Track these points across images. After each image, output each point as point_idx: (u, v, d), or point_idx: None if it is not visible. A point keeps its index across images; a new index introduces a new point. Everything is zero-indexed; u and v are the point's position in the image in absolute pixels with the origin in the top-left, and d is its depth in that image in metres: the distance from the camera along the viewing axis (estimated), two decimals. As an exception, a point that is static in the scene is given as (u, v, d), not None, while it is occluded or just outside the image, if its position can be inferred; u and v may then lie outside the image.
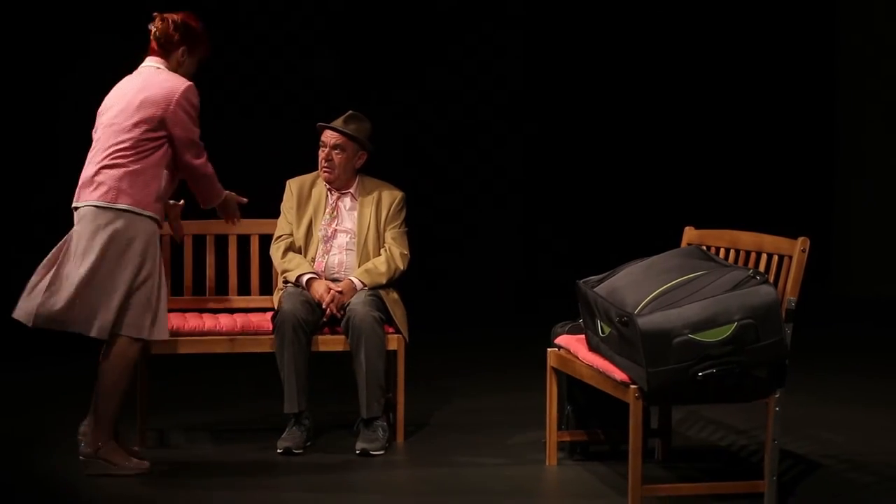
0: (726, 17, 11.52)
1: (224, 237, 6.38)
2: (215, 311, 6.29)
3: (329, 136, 6.24)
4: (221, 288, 6.41)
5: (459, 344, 9.08)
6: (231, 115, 10.35)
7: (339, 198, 6.30)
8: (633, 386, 4.86)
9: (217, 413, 6.75)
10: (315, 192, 6.33)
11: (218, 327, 6.03)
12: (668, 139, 11.49)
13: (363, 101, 10.50)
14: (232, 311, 6.33)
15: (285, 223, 6.32)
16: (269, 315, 6.15)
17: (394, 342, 6.06)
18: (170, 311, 6.07)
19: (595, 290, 5.13)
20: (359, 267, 6.20)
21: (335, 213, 6.28)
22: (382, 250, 6.26)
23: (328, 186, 6.30)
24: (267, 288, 6.42)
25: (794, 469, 5.61)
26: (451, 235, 10.82)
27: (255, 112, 10.47)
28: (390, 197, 6.33)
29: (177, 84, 5.52)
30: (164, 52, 5.63)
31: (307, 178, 6.37)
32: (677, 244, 5.69)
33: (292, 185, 6.37)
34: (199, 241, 6.35)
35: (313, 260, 6.23)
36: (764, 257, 5.16)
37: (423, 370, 6.93)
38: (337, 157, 6.22)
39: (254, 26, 10.45)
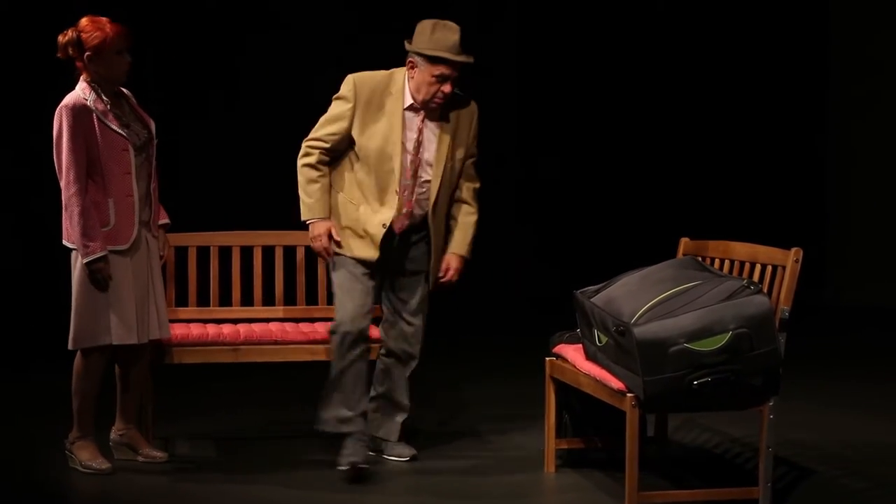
0: (719, 28, 11.53)
1: (228, 248, 6.36)
2: (219, 322, 6.27)
3: (454, 70, 5.41)
4: (225, 299, 6.39)
5: (458, 352, 9.07)
6: (229, 128, 10.36)
7: (424, 118, 5.55)
8: (629, 394, 4.85)
9: (221, 421, 6.74)
10: (391, 103, 5.51)
11: (221, 337, 6.02)
12: (663, 152, 11.49)
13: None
14: (235, 321, 6.31)
15: (334, 127, 5.54)
16: (270, 325, 6.16)
17: (394, 351, 6.06)
18: (175, 321, 6.12)
19: (592, 300, 5.12)
20: (431, 208, 5.63)
21: (420, 137, 5.54)
22: (459, 202, 5.75)
23: (415, 105, 5.53)
24: (270, 298, 6.40)
25: (788, 475, 5.60)
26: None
27: (254, 125, 10.47)
28: (468, 115, 5.61)
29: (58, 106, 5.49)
30: (83, 68, 5.53)
31: (377, 79, 5.54)
32: (673, 255, 5.69)
33: (359, 84, 5.51)
34: (202, 252, 6.33)
35: (384, 191, 5.55)
36: (758, 268, 5.16)
37: (422, 377, 6.91)
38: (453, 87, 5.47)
39: (258, 40, 10.46)
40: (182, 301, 6.30)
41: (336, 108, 5.58)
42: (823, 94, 11.88)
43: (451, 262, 5.81)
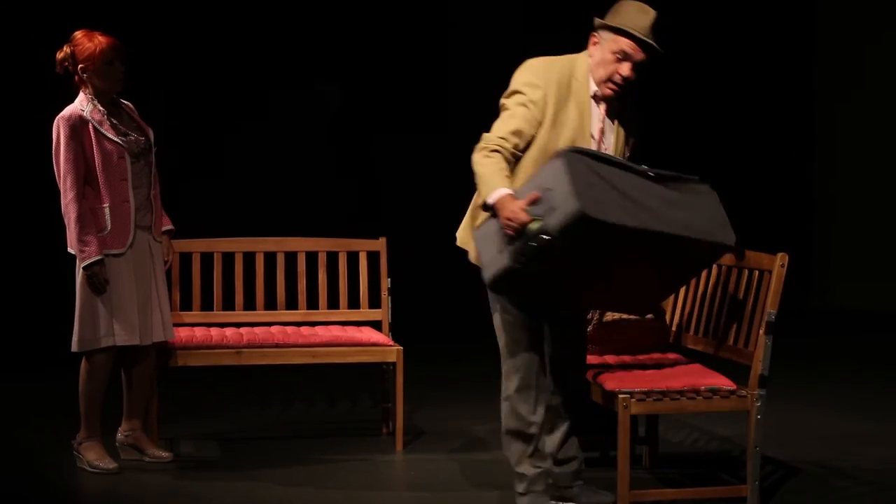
0: (708, 37, 11.49)
1: (230, 255, 6.38)
2: (222, 326, 6.29)
3: (637, 51, 4.69)
4: (228, 303, 6.39)
5: (456, 354, 9.07)
6: (234, 137, 10.35)
7: (607, 109, 4.79)
8: (621, 395, 4.85)
9: (224, 422, 6.74)
10: (578, 90, 4.70)
11: (225, 341, 6.02)
12: (652, 159, 11.46)
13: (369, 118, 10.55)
14: (238, 325, 6.32)
15: (524, 121, 4.61)
16: (272, 329, 6.16)
17: (392, 354, 6.06)
18: (180, 325, 6.12)
19: None
20: None
21: (603, 127, 4.77)
22: None
23: (596, 94, 4.76)
24: (271, 303, 6.41)
25: (774, 474, 5.61)
26: (448, 246, 10.78)
27: (259, 136, 10.46)
28: (637, 116, 4.89)
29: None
30: (80, 80, 5.58)
31: (561, 63, 4.71)
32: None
33: (547, 68, 4.66)
34: (206, 258, 6.34)
35: None
36: (745, 272, 5.16)
37: (420, 380, 6.91)
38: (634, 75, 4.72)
39: (259, 51, 10.44)
40: (186, 305, 6.30)
41: (524, 97, 4.64)
42: (810, 104, 11.88)
43: None
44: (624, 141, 4.85)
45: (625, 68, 4.68)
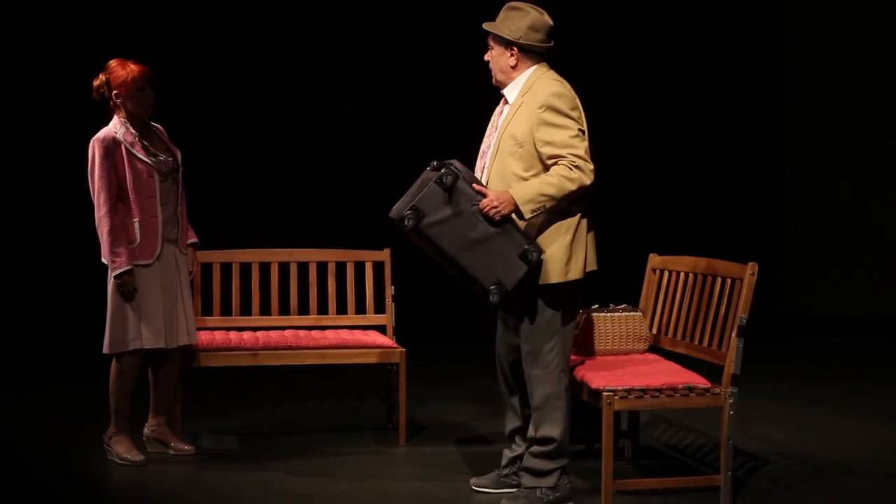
0: (676, 46, 11.38)
1: (248, 264, 6.47)
2: (240, 330, 6.38)
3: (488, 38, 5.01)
4: (245, 309, 6.48)
5: (455, 355, 9.06)
6: (245, 150, 10.38)
7: (502, 102, 5.07)
8: (605, 393, 4.95)
9: (242, 418, 6.80)
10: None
11: (242, 343, 6.10)
12: (628, 172, 11.42)
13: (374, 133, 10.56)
14: (254, 329, 6.43)
15: None
16: (286, 333, 6.25)
17: (396, 356, 6.15)
18: (201, 329, 6.19)
19: None
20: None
21: (495, 122, 5.05)
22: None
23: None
24: (285, 308, 6.49)
25: (746, 465, 5.68)
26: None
27: (271, 151, 10.48)
28: (534, 98, 4.83)
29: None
30: (114, 106, 5.73)
31: None
32: (642, 268, 5.77)
33: None
34: (225, 268, 6.44)
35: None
36: (718, 280, 5.23)
37: (422, 379, 6.96)
38: (489, 56, 4.97)
39: (268, 70, 10.41)
40: (207, 311, 6.40)
41: None
42: (776, 120, 11.80)
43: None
44: (508, 123, 4.93)
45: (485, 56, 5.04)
